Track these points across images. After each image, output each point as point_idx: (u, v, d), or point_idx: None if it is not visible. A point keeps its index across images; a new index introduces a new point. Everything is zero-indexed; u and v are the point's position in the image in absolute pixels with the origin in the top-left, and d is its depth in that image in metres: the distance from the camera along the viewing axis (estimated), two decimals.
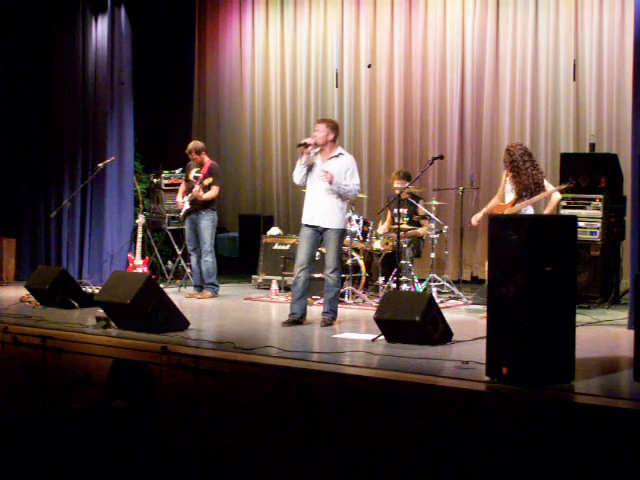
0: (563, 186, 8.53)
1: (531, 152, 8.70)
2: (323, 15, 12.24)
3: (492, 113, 11.15)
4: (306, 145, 8.02)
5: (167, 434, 5.04)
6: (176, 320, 7.70)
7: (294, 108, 12.52)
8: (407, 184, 9.44)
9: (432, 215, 9.68)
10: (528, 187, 8.38)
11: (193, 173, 10.20)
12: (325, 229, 8.10)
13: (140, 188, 11.38)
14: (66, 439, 4.07)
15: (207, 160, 10.15)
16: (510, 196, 8.54)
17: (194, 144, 10.19)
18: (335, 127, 8.11)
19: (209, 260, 9.90)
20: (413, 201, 9.82)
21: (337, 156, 8.10)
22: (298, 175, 8.17)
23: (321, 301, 9.34)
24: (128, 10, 11.25)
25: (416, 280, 9.49)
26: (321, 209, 8.08)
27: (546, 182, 8.57)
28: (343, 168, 8.06)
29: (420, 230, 9.88)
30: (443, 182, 11.36)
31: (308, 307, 9.24)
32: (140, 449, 4.11)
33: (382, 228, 10.21)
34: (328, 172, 7.90)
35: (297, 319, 8.13)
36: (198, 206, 9.99)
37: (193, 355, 6.63)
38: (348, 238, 9.52)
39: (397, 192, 9.42)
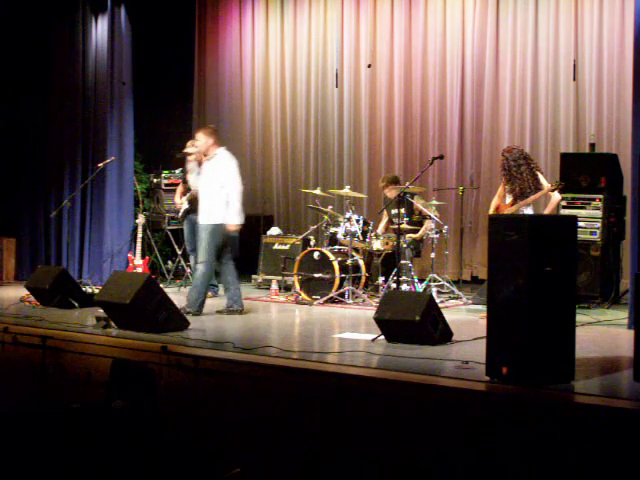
0: (553, 187, 8.52)
1: (527, 154, 8.64)
2: (323, 15, 12.24)
3: (492, 113, 11.15)
4: (188, 154, 8.89)
5: (167, 434, 5.05)
6: (176, 320, 7.70)
7: (294, 108, 12.52)
8: (407, 183, 9.42)
9: (429, 213, 9.67)
10: (523, 191, 8.38)
11: None
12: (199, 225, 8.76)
13: (140, 188, 11.38)
14: (66, 438, 4.07)
15: None
16: (509, 198, 8.55)
17: (192, 143, 10.19)
18: (212, 132, 8.79)
19: None
20: (413, 201, 9.79)
21: (213, 157, 8.70)
22: (191, 180, 9.03)
23: (321, 301, 9.37)
24: (128, 10, 11.26)
25: (416, 280, 9.48)
26: (201, 208, 8.76)
27: (544, 181, 8.57)
28: (218, 168, 8.68)
29: (416, 235, 9.85)
30: (443, 182, 11.35)
31: (307, 307, 9.28)
32: (140, 448, 4.12)
33: (380, 228, 10.21)
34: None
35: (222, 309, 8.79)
36: (197, 206, 9.96)
37: (193, 355, 6.63)
38: (348, 238, 9.54)
39: (392, 196, 9.49)
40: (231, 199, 8.59)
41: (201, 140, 8.68)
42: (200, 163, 8.78)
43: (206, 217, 8.64)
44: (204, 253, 8.57)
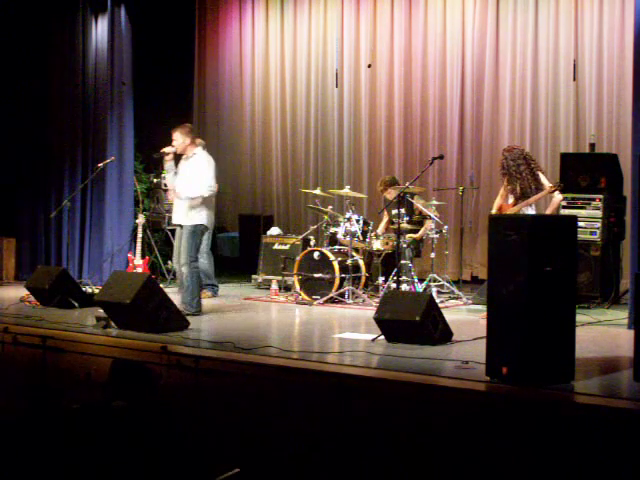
0: (553, 187, 8.52)
1: (528, 154, 8.62)
2: (323, 15, 12.25)
3: (492, 113, 11.15)
4: (166, 154, 8.64)
5: (166, 434, 5.03)
6: (176, 320, 7.70)
7: (294, 108, 12.53)
8: (407, 183, 9.42)
9: (429, 213, 9.67)
10: (524, 191, 8.38)
11: None
12: (181, 226, 8.66)
13: (140, 188, 11.38)
14: (66, 438, 4.07)
15: None
16: (511, 198, 8.54)
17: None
18: (189, 131, 8.72)
19: (204, 262, 9.88)
20: (412, 200, 9.79)
21: (191, 156, 8.64)
22: (168, 180, 8.85)
23: (321, 301, 9.37)
24: (128, 10, 11.25)
25: (416, 280, 9.48)
26: (178, 208, 8.67)
27: (546, 181, 8.56)
28: (195, 168, 8.59)
29: (416, 235, 9.85)
30: (443, 182, 11.36)
31: (307, 307, 9.28)
32: (140, 448, 4.12)
33: (380, 228, 10.21)
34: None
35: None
36: None
37: (193, 355, 6.63)
38: (348, 238, 9.54)
39: (392, 197, 9.49)
40: (197, 196, 8.48)
41: (178, 140, 8.61)
42: (177, 157, 8.68)
43: (184, 218, 8.58)
44: (183, 255, 8.53)
